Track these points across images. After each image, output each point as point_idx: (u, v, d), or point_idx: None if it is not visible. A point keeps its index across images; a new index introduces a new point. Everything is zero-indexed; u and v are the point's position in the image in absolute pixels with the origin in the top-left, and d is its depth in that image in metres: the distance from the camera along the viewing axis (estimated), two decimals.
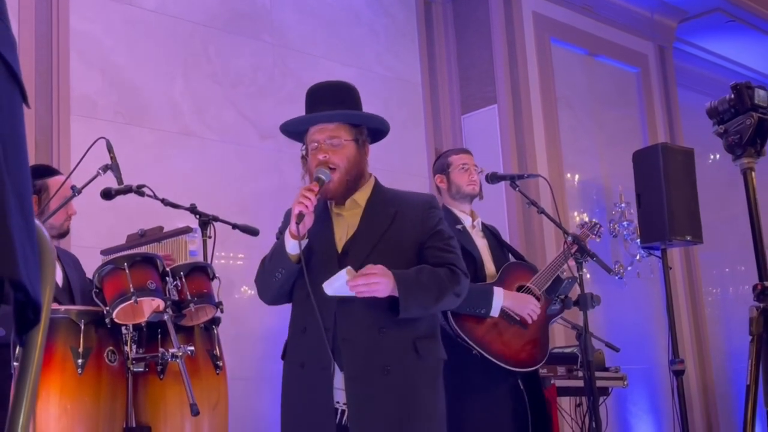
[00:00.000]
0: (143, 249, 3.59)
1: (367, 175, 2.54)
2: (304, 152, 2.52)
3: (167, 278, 2.91)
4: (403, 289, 2.32)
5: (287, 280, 2.46)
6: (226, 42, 4.95)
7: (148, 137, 4.56)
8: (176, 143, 4.65)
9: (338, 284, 2.28)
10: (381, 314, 2.37)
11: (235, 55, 4.99)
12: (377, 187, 2.58)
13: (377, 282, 2.28)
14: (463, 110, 6.04)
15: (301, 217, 2.31)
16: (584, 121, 6.53)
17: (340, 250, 2.45)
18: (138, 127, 4.51)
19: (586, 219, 5.07)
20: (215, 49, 4.90)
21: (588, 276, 6.20)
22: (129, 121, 4.49)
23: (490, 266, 3.51)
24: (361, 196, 2.52)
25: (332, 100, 2.49)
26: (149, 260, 2.88)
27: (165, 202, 3.38)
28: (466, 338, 3.28)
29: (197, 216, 3.46)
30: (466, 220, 3.59)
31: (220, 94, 4.88)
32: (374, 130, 2.62)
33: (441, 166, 3.69)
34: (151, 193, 3.27)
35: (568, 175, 6.29)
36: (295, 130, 2.59)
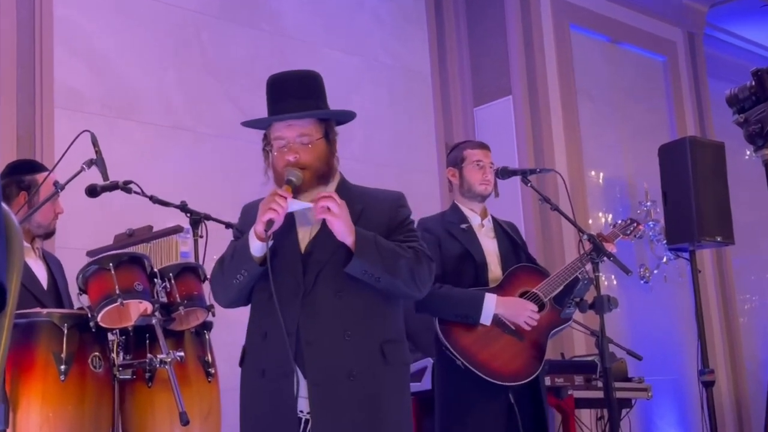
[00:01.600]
0: (131, 249, 3.61)
1: (334, 171, 2.56)
2: (267, 147, 2.53)
3: (155, 279, 2.96)
4: (360, 238, 2.40)
5: (249, 282, 2.46)
6: (221, 30, 4.96)
7: (138, 132, 4.59)
8: (167, 138, 4.67)
9: (296, 205, 2.41)
10: (347, 317, 2.41)
11: (231, 44, 5.00)
12: (343, 183, 2.60)
13: (337, 206, 2.37)
14: (475, 102, 5.99)
15: (270, 223, 2.33)
16: (606, 114, 6.50)
17: (303, 250, 2.46)
18: (127, 121, 4.53)
19: (612, 219, 5.07)
20: (209, 37, 4.91)
21: (614, 281, 6.09)
22: (117, 114, 4.53)
23: (495, 269, 3.50)
24: (328, 192, 2.53)
25: (299, 93, 2.49)
26: (136, 260, 2.89)
27: (154, 200, 3.40)
28: (449, 347, 3.28)
29: (188, 214, 3.48)
30: (474, 219, 3.58)
31: (214, 86, 4.88)
32: (339, 120, 2.65)
33: (454, 158, 3.67)
34: (138, 190, 3.29)
35: (592, 173, 6.27)
36: (260, 124, 2.61)
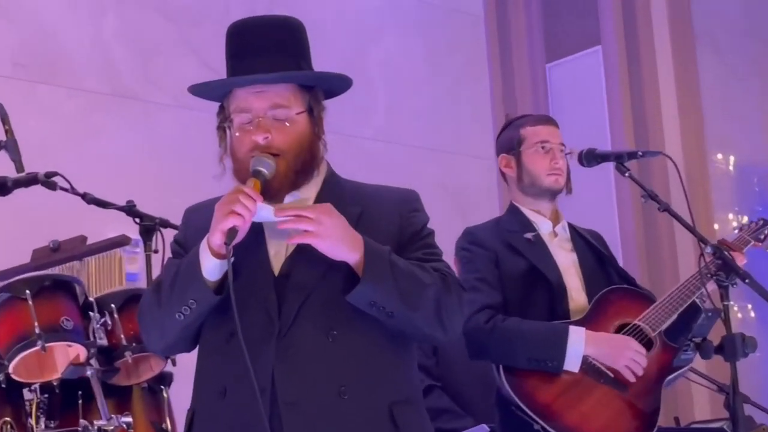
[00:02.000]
0: (56, 270, 3.60)
1: (320, 161, 2.58)
2: (225, 124, 2.55)
3: (91, 313, 2.98)
4: (370, 253, 2.41)
5: (197, 317, 2.46)
6: None
7: (65, 102, 4.63)
8: (107, 110, 4.71)
9: (265, 212, 2.44)
10: (342, 368, 2.40)
11: None
12: (332, 178, 2.62)
13: (314, 219, 2.36)
14: (548, 57, 6.07)
15: (233, 233, 2.33)
16: (740, 72, 6.48)
17: (277, 271, 2.47)
18: (50, 86, 4.56)
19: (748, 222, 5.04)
20: None
21: (750, 312, 6.01)
22: (36, 77, 4.55)
23: (578, 294, 3.54)
24: (309, 192, 2.56)
25: (272, 47, 2.50)
26: (63, 286, 2.99)
27: (88, 199, 3.40)
28: (523, 405, 3.29)
29: (137, 219, 3.49)
30: (543, 225, 3.61)
31: (173, 36, 4.99)
32: (330, 88, 2.66)
33: (508, 141, 3.71)
34: (66, 186, 3.28)
35: (719, 156, 6.27)
36: (214, 91, 2.60)
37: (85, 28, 4.74)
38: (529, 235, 3.71)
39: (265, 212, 2.42)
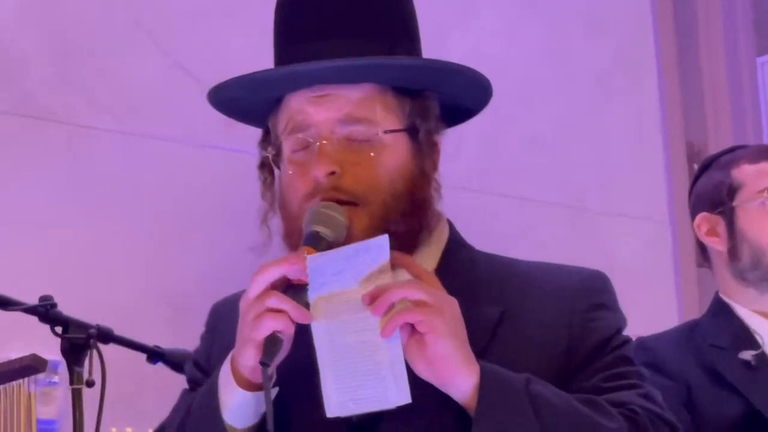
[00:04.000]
0: None
1: (430, 218, 2.66)
2: (269, 153, 2.69)
3: None
4: (490, 385, 2.43)
5: None
6: None
7: None
8: (6, 138, 4.91)
9: (342, 306, 2.40)
10: None
11: None
12: (456, 248, 2.72)
13: (433, 304, 2.37)
14: (761, 45, 6.23)
15: (275, 345, 2.40)
16: None
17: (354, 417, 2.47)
18: None
19: None
20: None
21: None
22: None
23: None
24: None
25: (354, 23, 2.63)
26: None
27: None
28: None
29: (58, 329, 3.61)
30: None
31: (121, 16, 5.09)
32: (453, 99, 2.71)
33: (713, 190, 3.84)
34: None
35: None
36: (247, 101, 2.75)
37: None
38: (747, 356, 3.62)
39: (326, 312, 2.39)
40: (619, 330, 2.57)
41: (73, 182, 4.81)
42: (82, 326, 3.59)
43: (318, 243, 2.41)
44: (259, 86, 2.49)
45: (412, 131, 2.46)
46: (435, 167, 2.49)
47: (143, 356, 3.50)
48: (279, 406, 2.39)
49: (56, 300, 3.57)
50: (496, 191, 5.49)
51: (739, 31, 6.09)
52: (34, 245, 4.47)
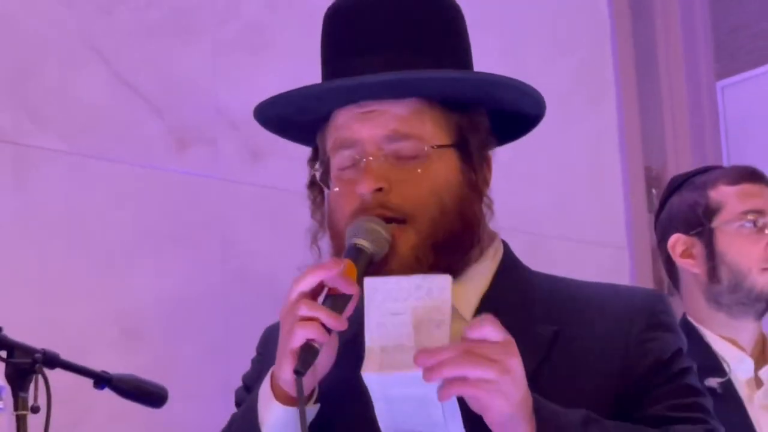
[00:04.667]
0: None
1: (481, 235, 2.68)
2: (317, 172, 2.70)
3: None
4: (545, 422, 2.44)
5: None
6: None
7: None
8: None
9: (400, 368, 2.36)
10: None
11: None
12: (509, 269, 2.75)
13: (500, 364, 2.34)
14: (721, 69, 6.24)
15: (312, 355, 2.41)
16: None
17: None
18: None
19: None
20: None
21: None
22: None
23: None
24: (466, 290, 2.67)
25: (402, 39, 2.66)
26: None
27: None
28: None
29: (2, 353, 3.57)
30: (740, 364, 3.79)
31: (69, 31, 5.03)
32: (508, 113, 2.73)
33: (689, 210, 3.89)
34: None
35: None
36: (295, 118, 2.76)
37: None
38: (713, 383, 3.62)
39: (381, 336, 2.39)
40: (680, 351, 2.62)
41: (18, 203, 4.74)
42: (28, 351, 3.60)
43: (358, 256, 2.48)
44: (305, 102, 2.46)
45: (461, 146, 2.44)
46: (486, 183, 2.53)
47: (90, 381, 3.44)
48: (323, 424, 2.51)
49: (1, 324, 3.40)
50: None
51: (699, 55, 6.07)
52: None
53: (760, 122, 5.98)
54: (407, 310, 2.30)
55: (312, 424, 2.31)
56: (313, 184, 2.53)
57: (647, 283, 5.23)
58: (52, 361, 3.58)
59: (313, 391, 2.29)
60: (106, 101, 4.68)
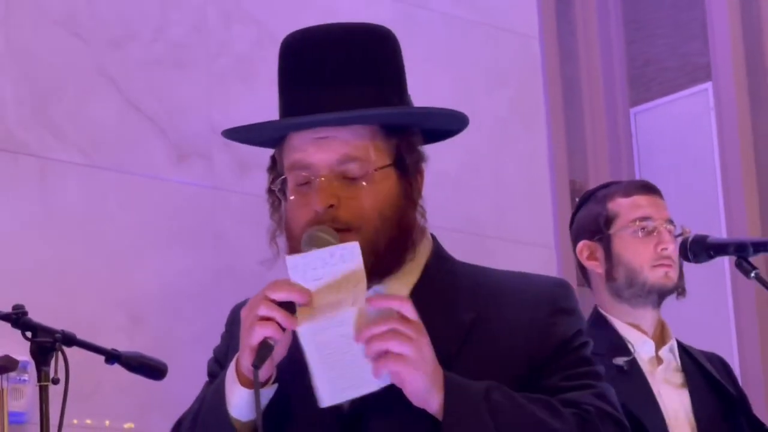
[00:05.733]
0: None
1: (416, 239, 2.60)
2: (275, 187, 2.62)
3: None
4: (452, 398, 2.42)
5: None
6: None
7: None
8: None
9: (335, 333, 2.37)
10: None
11: None
12: (438, 261, 2.65)
13: (414, 338, 2.36)
14: (634, 98, 6.31)
15: (267, 350, 2.35)
16: None
17: (347, 407, 2.49)
18: None
19: None
20: None
21: None
22: None
23: None
24: (399, 286, 2.58)
25: (342, 73, 2.58)
26: None
27: None
28: None
29: (28, 333, 3.58)
30: (643, 347, 3.75)
31: (84, 61, 5.00)
32: (438, 130, 2.73)
33: (592, 220, 3.88)
34: None
35: None
36: (257, 139, 2.72)
37: None
38: (620, 361, 3.66)
39: (317, 326, 2.37)
40: (579, 332, 2.58)
41: (42, 207, 4.74)
42: (49, 331, 3.60)
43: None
44: (268, 131, 2.46)
45: (399, 164, 2.43)
46: (420, 193, 2.61)
47: (102, 358, 3.47)
48: (280, 400, 2.47)
49: (27, 309, 3.62)
50: None
51: (615, 86, 6.25)
52: (8, 261, 4.41)
53: (667, 142, 5.96)
54: (326, 275, 2.35)
55: (272, 400, 2.29)
56: (271, 190, 2.51)
57: (571, 276, 5.22)
58: (69, 340, 3.64)
59: (271, 376, 2.28)
60: (117, 121, 4.79)
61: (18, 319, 3.54)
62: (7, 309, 3.58)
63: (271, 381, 2.37)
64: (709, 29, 6.21)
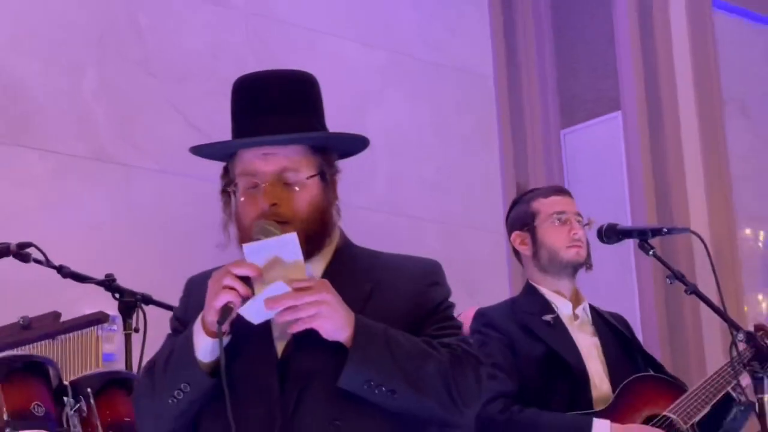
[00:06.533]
0: (26, 350, 3.62)
1: (331, 230, 2.64)
2: (231, 190, 2.61)
3: (65, 398, 2.98)
4: (360, 331, 2.43)
5: (192, 404, 2.47)
6: (168, 8, 5.08)
7: (38, 165, 4.67)
8: (84, 174, 4.76)
9: (263, 302, 2.40)
10: None
11: (182, 29, 5.14)
12: (345, 247, 2.68)
13: (322, 301, 2.38)
14: (563, 122, 6.26)
15: (228, 311, 2.36)
16: None
17: (280, 354, 2.49)
18: (21, 149, 4.59)
19: None
20: (149, 20, 5.01)
21: None
22: (6, 138, 4.58)
23: (601, 382, 3.55)
24: (319, 264, 2.61)
25: (282, 105, 2.58)
26: (34, 368, 2.95)
27: (64, 272, 3.49)
28: None
29: (117, 295, 3.61)
30: (563, 306, 3.68)
31: (156, 93, 5.02)
32: (350, 150, 2.77)
33: (520, 217, 3.80)
34: (41, 258, 3.36)
35: (747, 231, 6.24)
36: (215, 152, 2.71)
37: (61, 84, 4.76)
38: (548, 317, 3.75)
39: (265, 294, 2.38)
40: (446, 298, 2.67)
41: (126, 205, 4.87)
42: (132, 294, 3.71)
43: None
44: (227, 147, 2.52)
45: (322, 175, 2.49)
46: (336, 196, 2.67)
47: (170, 313, 3.49)
48: (233, 347, 2.45)
49: (115, 276, 3.77)
50: (397, 212, 5.49)
51: (549, 113, 6.22)
52: (102, 243, 4.61)
53: (588, 157, 5.99)
54: (272, 256, 2.43)
55: (226, 346, 2.33)
56: (224, 191, 2.58)
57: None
58: (147, 300, 3.77)
59: (228, 330, 2.33)
60: (182, 138, 4.80)
61: (109, 284, 3.70)
62: (101, 277, 3.72)
63: (228, 333, 2.42)
64: (619, 70, 6.17)
